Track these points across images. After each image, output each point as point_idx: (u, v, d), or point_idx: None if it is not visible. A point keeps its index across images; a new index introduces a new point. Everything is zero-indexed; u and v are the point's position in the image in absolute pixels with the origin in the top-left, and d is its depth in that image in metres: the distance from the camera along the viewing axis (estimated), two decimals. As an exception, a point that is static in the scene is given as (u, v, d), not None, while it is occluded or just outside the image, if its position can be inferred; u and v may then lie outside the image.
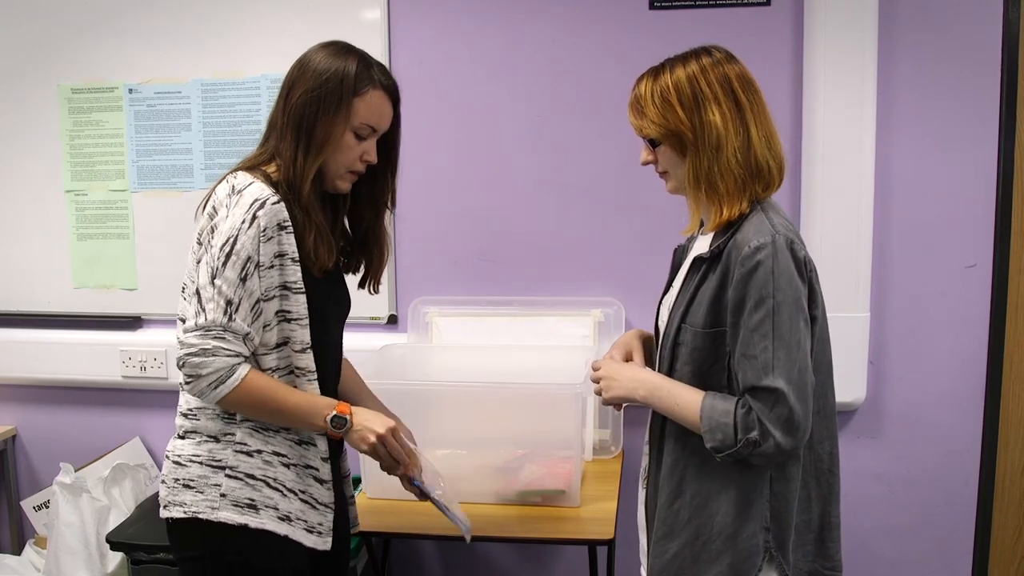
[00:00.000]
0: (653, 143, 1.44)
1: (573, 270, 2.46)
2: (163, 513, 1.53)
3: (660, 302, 1.58)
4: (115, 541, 2.22)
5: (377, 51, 2.39)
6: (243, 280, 1.41)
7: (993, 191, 2.28)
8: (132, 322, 2.65)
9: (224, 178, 1.51)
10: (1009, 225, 2.29)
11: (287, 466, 1.52)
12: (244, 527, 1.47)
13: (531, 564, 2.62)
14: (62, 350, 2.65)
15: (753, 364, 1.31)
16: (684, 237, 1.59)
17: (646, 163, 1.48)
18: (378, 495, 2.09)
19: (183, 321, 1.52)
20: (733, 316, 1.34)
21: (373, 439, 1.51)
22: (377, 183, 1.65)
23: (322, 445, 1.56)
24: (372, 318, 2.53)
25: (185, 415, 1.53)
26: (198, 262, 1.47)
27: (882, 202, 2.30)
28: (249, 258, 1.41)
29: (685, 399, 1.39)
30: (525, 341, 2.42)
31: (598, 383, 1.55)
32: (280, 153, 1.50)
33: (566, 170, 2.43)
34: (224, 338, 1.40)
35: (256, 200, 1.43)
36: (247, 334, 1.43)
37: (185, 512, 1.49)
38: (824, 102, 2.23)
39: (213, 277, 1.41)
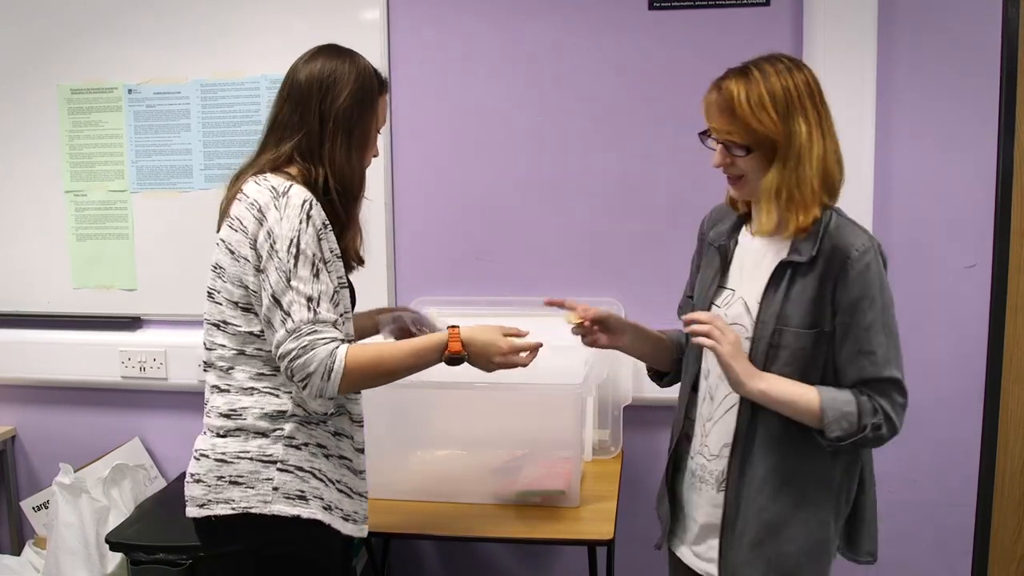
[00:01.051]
0: (746, 149, 1.42)
1: (573, 270, 2.46)
2: (198, 512, 1.53)
3: (711, 295, 1.55)
4: (114, 542, 2.21)
5: (377, 51, 2.39)
6: (316, 276, 1.45)
7: (993, 191, 2.28)
8: (131, 322, 2.65)
9: (252, 180, 1.51)
10: (1009, 225, 2.29)
11: (327, 457, 1.55)
12: (296, 518, 1.50)
13: (531, 564, 2.61)
14: (62, 350, 2.65)
15: (872, 359, 1.39)
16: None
17: (720, 166, 1.47)
18: (378, 495, 2.08)
19: (216, 327, 1.53)
20: (845, 316, 1.40)
21: (495, 368, 1.57)
22: None
23: (358, 437, 1.60)
24: (372, 318, 2.53)
25: (227, 415, 1.53)
26: (258, 268, 1.47)
27: (882, 202, 2.29)
28: (315, 254, 1.45)
29: (801, 393, 1.42)
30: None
31: (719, 332, 1.43)
32: (326, 157, 1.53)
33: (566, 170, 2.43)
34: (315, 331, 1.43)
35: (305, 200, 1.46)
36: (335, 320, 1.46)
37: (234, 508, 1.50)
38: (824, 102, 2.23)
39: (289, 280, 1.44)
